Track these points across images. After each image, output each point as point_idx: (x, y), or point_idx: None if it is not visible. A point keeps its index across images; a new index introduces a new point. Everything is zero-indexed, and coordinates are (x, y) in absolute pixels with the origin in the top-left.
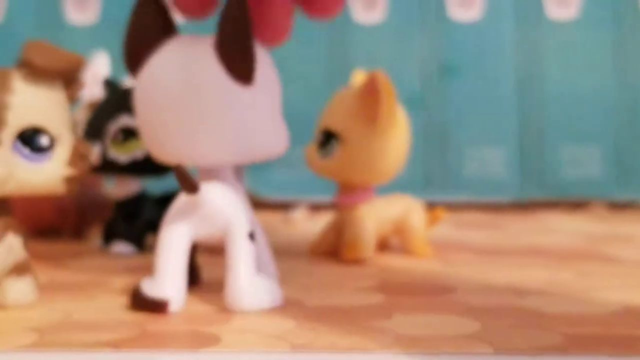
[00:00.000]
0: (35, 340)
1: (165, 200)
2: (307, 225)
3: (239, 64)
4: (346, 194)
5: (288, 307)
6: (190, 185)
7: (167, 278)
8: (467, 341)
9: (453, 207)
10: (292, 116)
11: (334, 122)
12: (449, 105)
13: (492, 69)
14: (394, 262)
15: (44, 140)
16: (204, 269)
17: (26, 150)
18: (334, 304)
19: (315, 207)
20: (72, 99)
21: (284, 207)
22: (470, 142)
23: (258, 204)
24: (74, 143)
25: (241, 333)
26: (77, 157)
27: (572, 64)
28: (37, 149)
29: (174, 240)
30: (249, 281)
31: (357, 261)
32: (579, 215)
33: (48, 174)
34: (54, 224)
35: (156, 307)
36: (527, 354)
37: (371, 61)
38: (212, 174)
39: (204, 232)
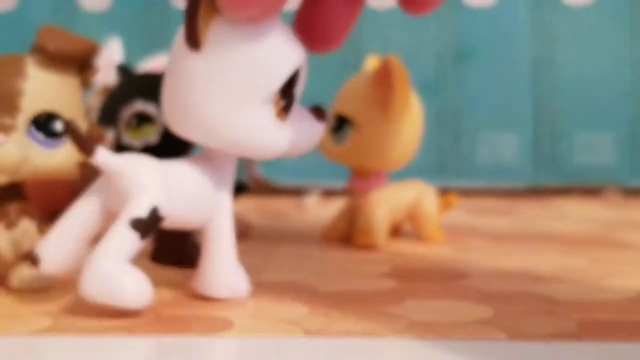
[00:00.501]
0: (50, 325)
1: None
2: (320, 210)
3: (185, 25)
4: (359, 179)
5: (301, 292)
6: (81, 144)
7: (51, 239)
8: (480, 327)
9: (466, 192)
10: (305, 102)
11: (348, 107)
12: (463, 90)
13: (507, 54)
14: (407, 248)
15: (58, 126)
16: None
17: (40, 136)
18: (347, 289)
19: (328, 193)
20: (86, 85)
21: (296, 192)
22: (484, 127)
23: (271, 189)
24: (87, 128)
25: (255, 318)
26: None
27: (587, 49)
28: (52, 134)
29: (77, 207)
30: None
31: (369, 247)
32: (593, 202)
33: (62, 159)
34: (68, 209)
35: (30, 259)
36: (541, 340)
37: (385, 46)
38: (207, 155)
39: (115, 205)
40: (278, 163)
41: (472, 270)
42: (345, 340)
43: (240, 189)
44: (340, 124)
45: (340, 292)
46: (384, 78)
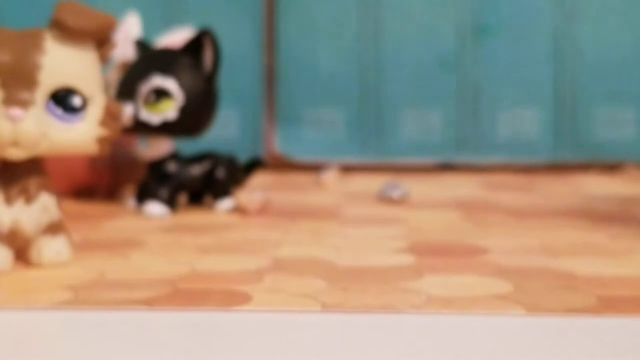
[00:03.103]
0: (70, 298)
1: (197, 161)
2: (338, 186)
3: None
4: None
5: (319, 267)
6: None
7: None
8: (499, 302)
9: (486, 168)
10: (323, 76)
11: None
12: (482, 66)
13: (527, 29)
14: (425, 222)
15: (76, 101)
16: (232, 230)
17: (59, 111)
18: (365, 264)
19: (346, 169)
20: (104, 60)
21: (314, 168)
22: (504, 103)
23: (289, 165)
24: (106, 103)
25: (272, 292)
26: (109, 117)
27: (609, 24)
28: (70, 109)
29: None
30: None
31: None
32: (613, 177)
33: (81, 134)
34: (87, 184)
35: None
36: (560, 315)
37: (404, 21)
38: None
39: None
40: (296, 138)
41: (491, 245)
42: (363, 315)
43: (255, 164)
44: None
45: (358, 268)
46: None
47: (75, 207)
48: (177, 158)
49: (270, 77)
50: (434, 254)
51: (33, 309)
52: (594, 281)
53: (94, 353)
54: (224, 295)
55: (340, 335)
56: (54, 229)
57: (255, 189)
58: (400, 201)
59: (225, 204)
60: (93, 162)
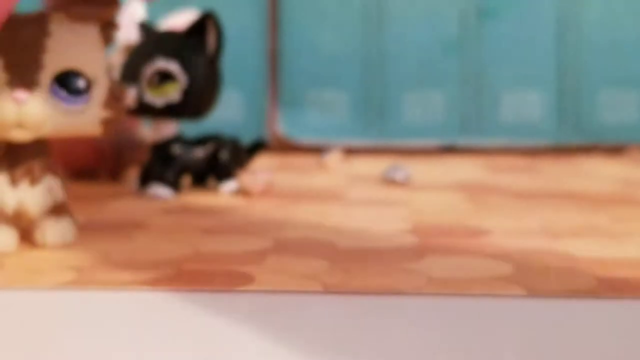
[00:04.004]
0: (74, 279)
1: (200, 143)
2: (341, 168)
3: None
4: None
5: (321, 249)
6: None
7: None
8: (500, 283)
9: (489, 150)
10: (327, 59)
11: None
12: (486, 48)
13: (531, 11)
14: (427, 204)
15: (80, 83)
16: (235, 212)
17: (63, 93)
18: (367, 246)
19: (350, 151)
20: (108, 42)
21: (318, 150)
22: (508, 85)
23: (292, 147)
24: (110, 85)
25: (275, 273)
26: (113, 99)
27: (612, 6)
28: (74, 92)
29: None
30: None
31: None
32: (616, 160)
33: (85, 116)
34: (91, 166)
35: None
36: (560, 296)
37: (407, 3)
38: None
39: None
40: (299, 120)
41: (493, 227)
42: (364, 296)
43: (259, 146)
44: None
45: (360, 249)
46: None
47: (79, 189)
48: (181, 140)
49: (274, 59)
50: (435, 235)
51: (37, 289)
52: (595, 263)
53: (98, 334)
54: (227, 276)
55: (342, 316)
56: (58, 210)
57: (259, 171)
58: (403, 183)
59: (228, 186)
60: (97, 144)
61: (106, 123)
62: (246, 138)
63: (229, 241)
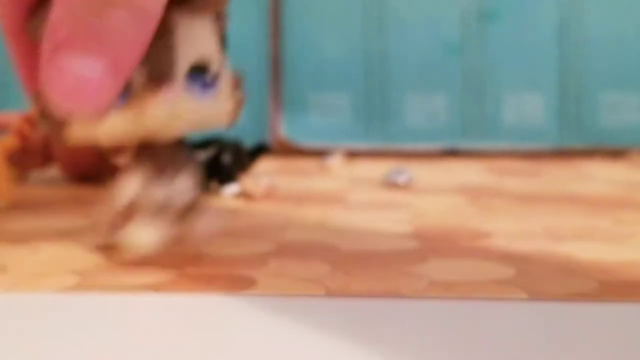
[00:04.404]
0: (77, 283)
1: (202, 146)
2: (343, 171)
3: None
4: None
5: (323, 252)
6: None
7: None
8: (502, 286)
9: (490, 154)
10: (329, 62)
11: None
12: (487, 51)
13: (532, 13)
14: (429, 207)
15: (210, 75)
16: (238, 215)
17: (196, 87)
18: (369, 249)
19: (352, 154)
20: (221, 33)
21: (320, 153)
22: (509, 88)
23: (294, 150)
24: (231, 75)
25: (276, 277)
26: (235, 89)
27: (614, 9)
28: (206, 85)
29: None
30: None
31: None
32: (618, 163)
33: (214, 108)
34: (93, 170)
35: None
36: (562, 299)
37: (409, 6)
38: None
39: None
40: (301, 123)
41: (494, 230)
42: (366, 299)
43: (260, 149)
44: None
45: (362, 252)
46: None
47: (82, 191)
48: (184, 143)
49: (276, 62)
50: (438, 238)
51: (40, 293)
52: (597, 266)
53: (100, 337)
54: (228, 279)
55: (344, 319)
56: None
57: (261, 174)
58: (406, 186)
59: (231, 189)
60: (101, 149)
61: (232, 113)
62: (248, 141)
63: (231, 244)
